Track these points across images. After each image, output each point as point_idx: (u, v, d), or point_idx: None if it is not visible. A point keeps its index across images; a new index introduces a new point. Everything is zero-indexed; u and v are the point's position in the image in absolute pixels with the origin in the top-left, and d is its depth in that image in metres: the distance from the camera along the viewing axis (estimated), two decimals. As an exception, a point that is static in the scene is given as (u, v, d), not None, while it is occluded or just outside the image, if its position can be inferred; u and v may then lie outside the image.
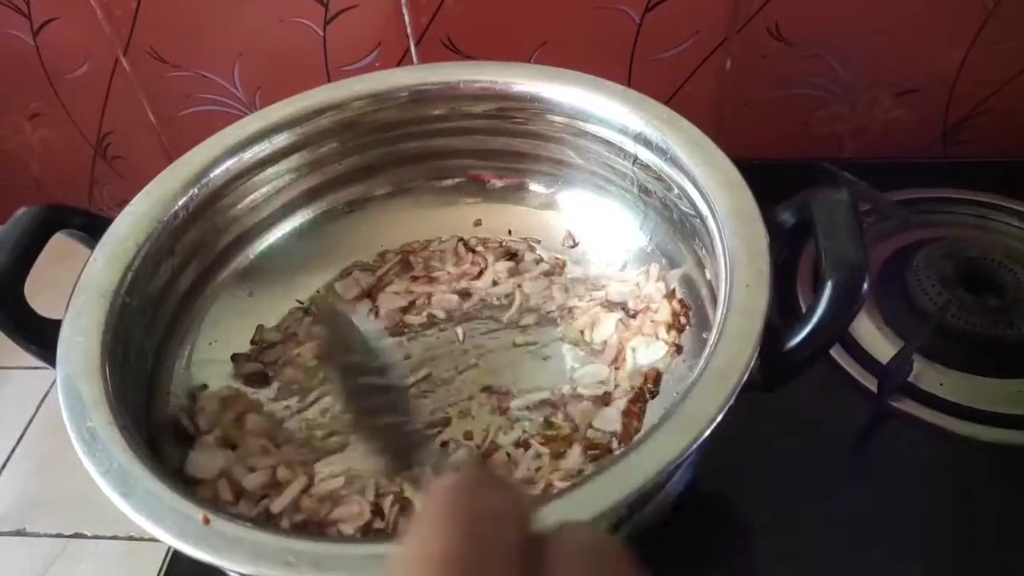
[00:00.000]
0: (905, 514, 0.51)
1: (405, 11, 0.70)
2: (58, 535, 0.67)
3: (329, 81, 0.74)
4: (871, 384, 0.57)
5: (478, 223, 0.63)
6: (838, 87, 0.73)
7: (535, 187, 0.63)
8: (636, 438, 0.36)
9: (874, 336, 0.60)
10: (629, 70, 0.73)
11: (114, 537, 0.66)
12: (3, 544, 0.67)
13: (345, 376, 0.50)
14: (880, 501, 0.52)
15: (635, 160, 0.54)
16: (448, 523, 0.19)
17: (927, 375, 0.57)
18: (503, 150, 0.61)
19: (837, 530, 0.50)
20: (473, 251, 0.61)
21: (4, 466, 0.73)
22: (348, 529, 0.45)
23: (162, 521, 0.35)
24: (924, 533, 0.50)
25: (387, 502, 0.46)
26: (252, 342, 0.57)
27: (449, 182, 0.64)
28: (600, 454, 0.48)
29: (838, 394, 0.57)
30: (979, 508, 0.51)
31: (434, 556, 0.18)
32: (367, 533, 0.45)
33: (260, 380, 0.55)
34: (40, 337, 0.45)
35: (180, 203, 0.52)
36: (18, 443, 0.74)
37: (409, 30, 0.72)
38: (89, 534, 0.66)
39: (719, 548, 0.51)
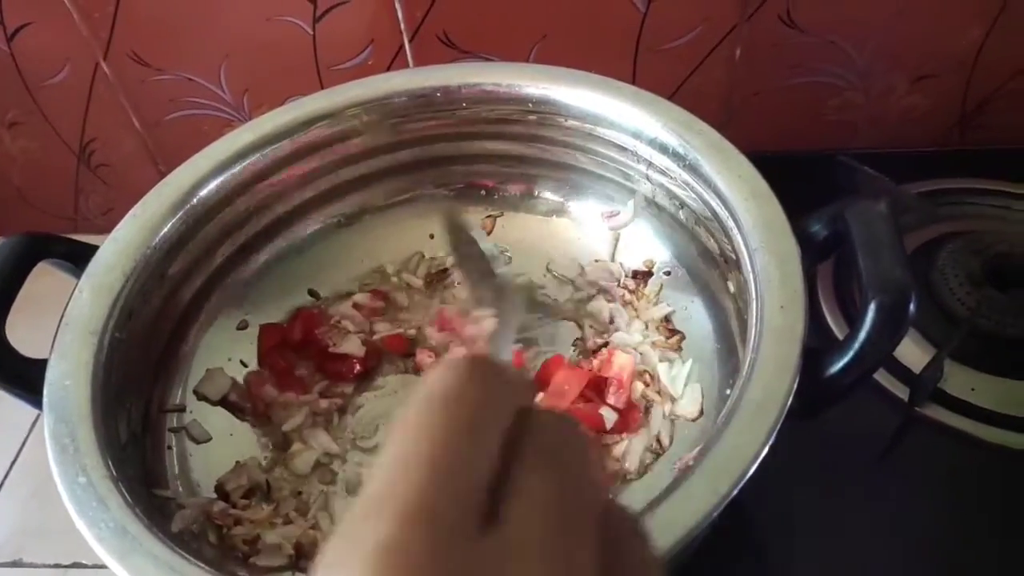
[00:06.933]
0: (934, 524, 0.49)
1: (398, 5, 0.66)
2: (56, 565, 0.64)
3: (320, 81, 0.71)
4: (897, 389, 0.54)
5: (488, 232, 0.60)
6: (852, 74, 0.69)
7: (543, 194, 0.60)
8: (669, 485, 0.34)
9: (900, 339, 0.58)
10: (634, 62, 0.69)
11: (114, 567, 0.63)
12: (-1, 576, 0.64)
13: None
14: (908, 510, 0.50)
15: (649, 165, 0.51)
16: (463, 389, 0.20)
17: (958, 380, 0.54)
18: (508, 155, 0.58)
19: (864, 539, 0.49)
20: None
21: (-3, 493, 0.70)
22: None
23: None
24: (953, 543, 0.48)
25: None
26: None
27: (451, 190, 0.60)
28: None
29: (863, 400, 0.54)
30: (1011, 517, 0.49)
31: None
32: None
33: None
34: (23, 379, 0.42)
35: (169, 226, 0.49)
36: (11, 468, 0.71)
37: (403, 25, 0.68)
38: (89, 564, 0.64)
39: (742, 556, 0.49)
